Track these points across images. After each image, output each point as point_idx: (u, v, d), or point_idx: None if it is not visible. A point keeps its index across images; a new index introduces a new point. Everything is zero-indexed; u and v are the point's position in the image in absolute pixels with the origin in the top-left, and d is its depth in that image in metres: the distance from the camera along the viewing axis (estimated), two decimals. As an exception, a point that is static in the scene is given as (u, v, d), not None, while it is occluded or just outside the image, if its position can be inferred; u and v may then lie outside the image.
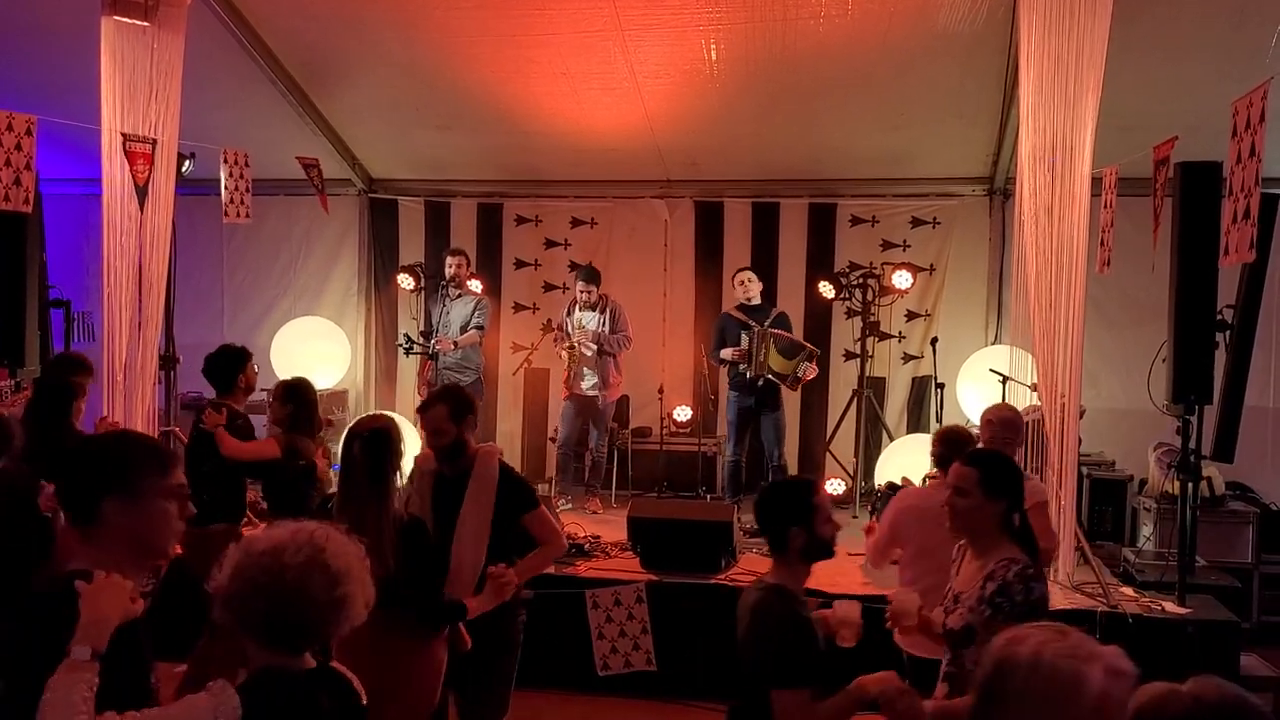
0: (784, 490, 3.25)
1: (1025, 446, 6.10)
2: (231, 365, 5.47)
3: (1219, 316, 5.59)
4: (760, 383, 7.74)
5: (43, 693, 1.98)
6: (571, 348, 8.02)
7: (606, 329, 8.07)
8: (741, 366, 7.80)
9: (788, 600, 3.01)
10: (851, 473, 8.24)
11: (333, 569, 2.15)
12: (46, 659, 2.03)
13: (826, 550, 3.08)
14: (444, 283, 8.36)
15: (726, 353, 7.91)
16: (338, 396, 9.30)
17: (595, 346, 8.01)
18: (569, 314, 8.22)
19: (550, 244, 9.43)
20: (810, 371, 7.79)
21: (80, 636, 2.04)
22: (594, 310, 8.12)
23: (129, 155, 6.36)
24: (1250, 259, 4.50)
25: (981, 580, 3.19)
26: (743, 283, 8.05)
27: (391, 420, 3.92)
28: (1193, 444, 5.63)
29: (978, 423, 7.98)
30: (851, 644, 3.18)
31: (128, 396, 6.50)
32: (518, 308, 9.43)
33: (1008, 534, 3.28)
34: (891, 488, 6.79)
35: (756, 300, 8.01)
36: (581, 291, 8.11)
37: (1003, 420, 4.86)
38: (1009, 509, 3.28)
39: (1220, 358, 5.71)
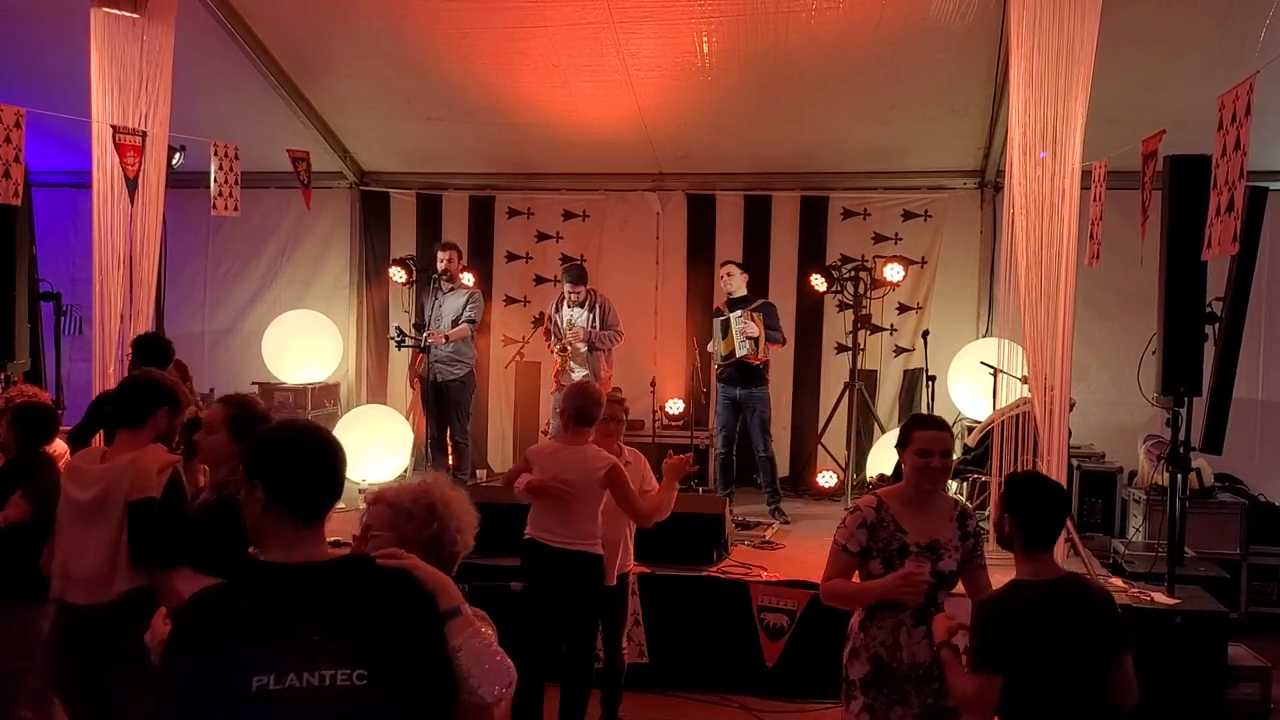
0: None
1: (1017, 438, 6.13)
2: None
3: (1208, 309, 5.61)
4: (726, 368, 7.81)
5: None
6: (564, 349, 8.04)
7: (597, 325, 8.09)
8: (723, 355, 7.86)
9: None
10: (843, 465, 8.27)
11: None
12: None
13: None
14: (436, 276, 8.35)
15: (711, 345, 8.02)
16: (329, 390, 9.29)
17: (586, 345, 8.05)
18: (557, 310, 8.22)
19: (542, 237, 9.43)
20: (748, 328, 7.66)
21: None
22: (583, 308, 8.13)
23: (119, 148, 6.33)
24: (1232, 252, 4.50)
25: None
26: (723, 276, 8.13)
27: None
28: (1182, 436, 5.65)
29: (969, 417, 8.08)
30: None
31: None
32: (509, 301, 9.43)
33: None
34: (883, 479, 6.81)
35: (741, 292, 8.03)
36: (570, 292, 8.12)
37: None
38: None
39: (1209, 350, 5.72)
